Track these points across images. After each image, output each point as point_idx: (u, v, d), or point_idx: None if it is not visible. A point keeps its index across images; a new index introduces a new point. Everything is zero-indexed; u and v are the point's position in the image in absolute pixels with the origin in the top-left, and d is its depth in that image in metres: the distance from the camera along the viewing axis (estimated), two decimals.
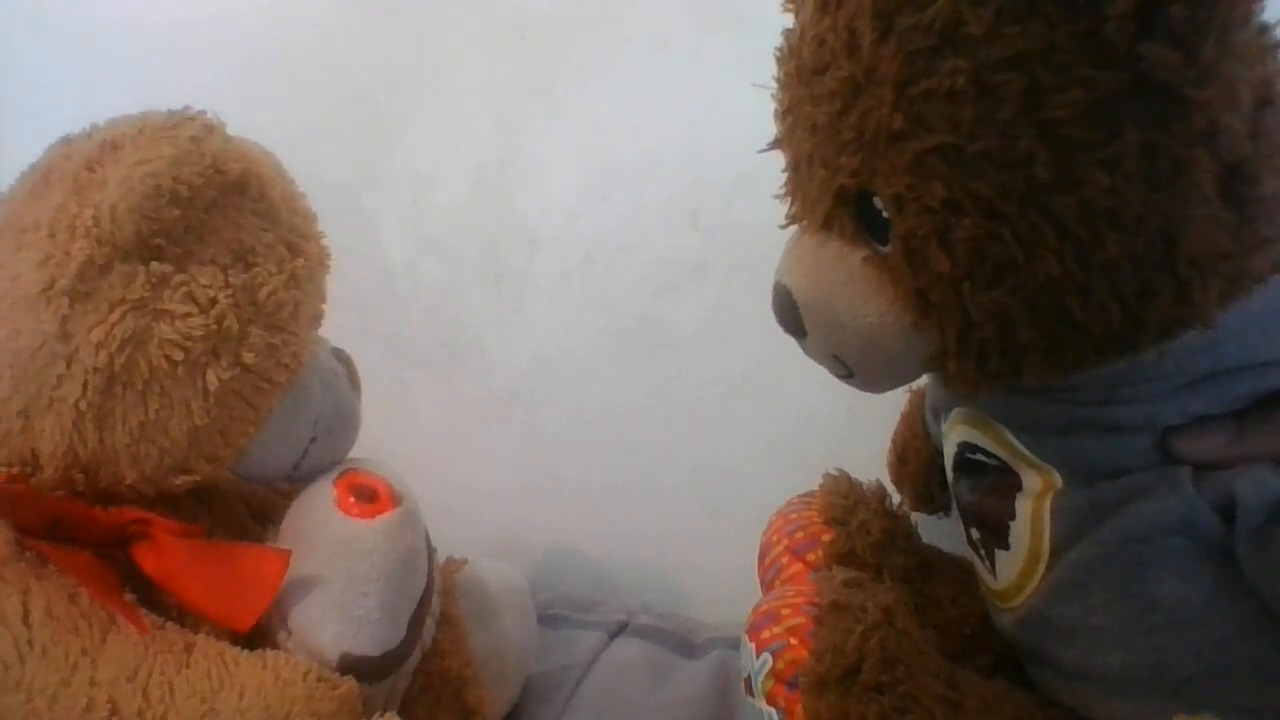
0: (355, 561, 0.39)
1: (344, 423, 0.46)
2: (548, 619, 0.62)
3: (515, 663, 0.52)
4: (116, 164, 0.37)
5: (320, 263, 0.44)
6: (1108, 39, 0.25)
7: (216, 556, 0.39)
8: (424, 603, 0.43)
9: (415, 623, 0.41)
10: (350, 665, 0.38)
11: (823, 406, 0.63)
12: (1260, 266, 0.29)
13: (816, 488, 0.50)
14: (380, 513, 0.41)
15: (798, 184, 0.36)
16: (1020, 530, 0.35)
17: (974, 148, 0.27)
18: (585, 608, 0.66)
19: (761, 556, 0.49)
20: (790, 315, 0.36)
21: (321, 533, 0.40)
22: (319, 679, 0.37)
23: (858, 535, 0.44)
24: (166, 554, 0.38)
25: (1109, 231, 0.27)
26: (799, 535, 0.47)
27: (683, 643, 0.61)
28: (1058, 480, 0.34)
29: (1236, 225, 0.27)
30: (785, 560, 0.46)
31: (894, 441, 0.52)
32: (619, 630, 0.63)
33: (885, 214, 0.31)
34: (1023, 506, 0.35)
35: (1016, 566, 0.36)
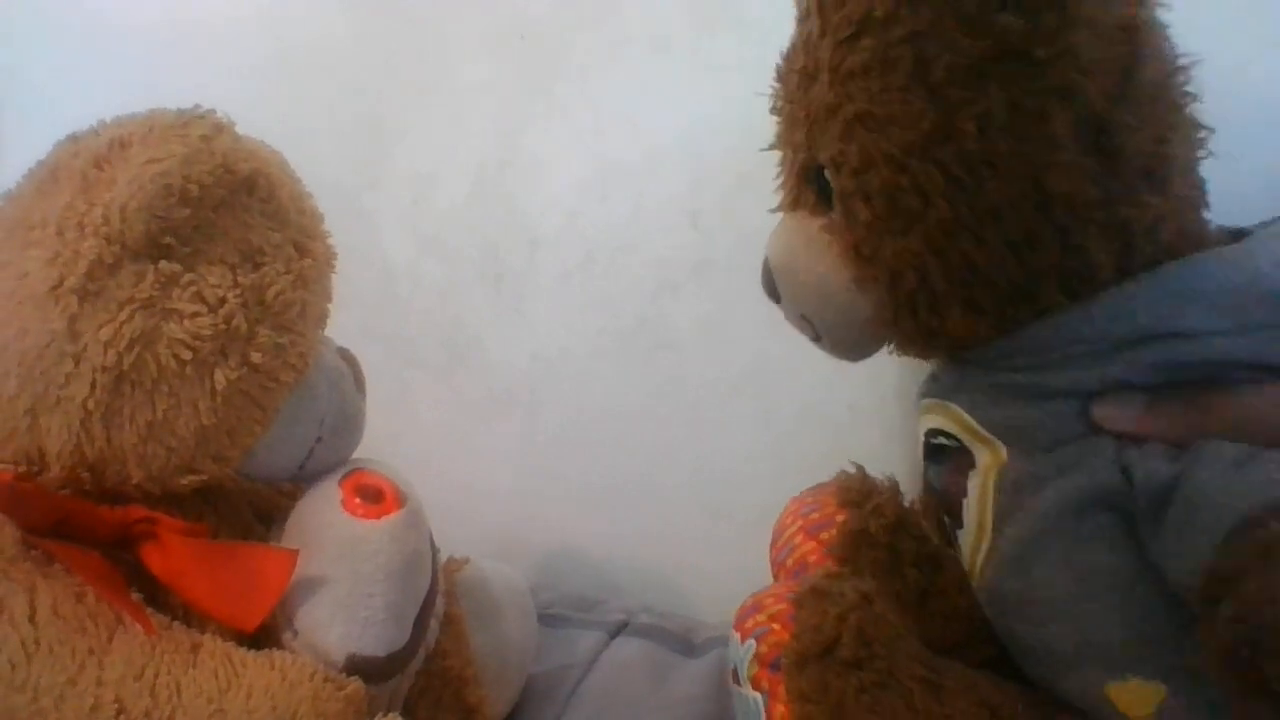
0: (361, 562, 0.39)
1: (349, 423, 0.46)
2: (548, 619, 0.62)
3: (516, 662, 0.52)
4: (126, 162, 0.37)
5: (327, 262, 0.44)
6: (974, 13, 0.31)
7: (223, 556, 0.39)
8: (428, 604, 0.43)
9: (420, 623, 0.42)
10: (356, 666, 0.38)
11: (823, 406, 0.63)
12: (1143, 222, 0.33)
13: (828, 480, 0.50)
14: (386, 514, 0.41)
15: (783, 172, 0.41)
16: (970, 505, 0.37)
17: (882, 112, 0.33)
18: (585, 607, 0.66)
19: (774, 540, 0.49)
20: (768, 280, 0.41)
21: (327, 534, 0.40)
22: (325, 680, 0.37)
23: (872, 516, 0.45)
24: (173, 553, 0.37)
25: (988, 178, 0.32)
26: (814, 515, 0.48)
27: (683, 642, 0.61)
28: (1003, 453, 0.36)
29: (1102, 174, 0.32)
30: (799, 540, 0.47)
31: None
32: (619, 630, 0.63)
33: (830, 182, 0.36)
34: (973, 483, 0.37)
35: (969, 542, 0.38)
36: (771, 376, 0.65)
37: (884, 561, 0.43)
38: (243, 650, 0.37)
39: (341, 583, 0.39)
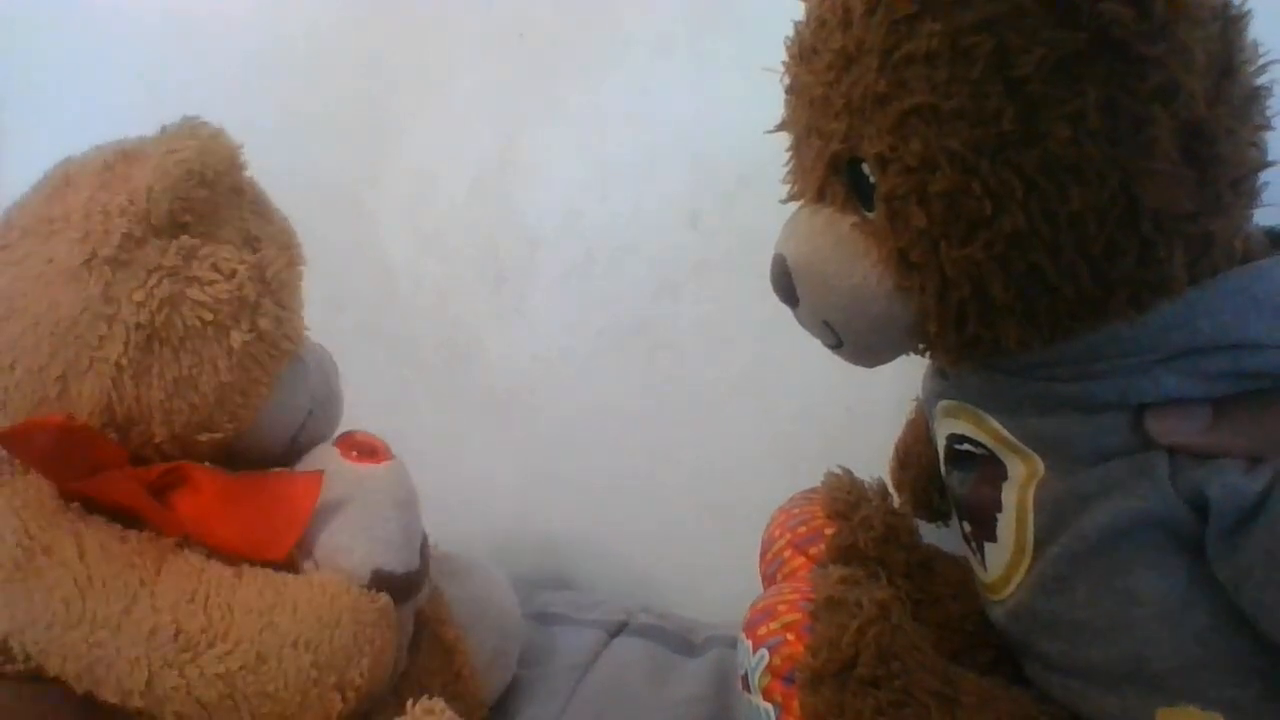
0: (371, 494, 0.43)
1: (333, 398, 0.50)
2: (547, 618, 0.62)
3: (494, 615, 0.53)
4: (142, 159, 0.41)
5: (301, 264, 0.48)
6: (1072, 1, 0.27)
7: (249, 486, 0.42)
8: (424, 545, 0.46)
9: (423, 556, 0.45)
10: (381, 581, 0.41)
11: (823, 406, 0.63)
12: (1225, 233, 0.30)
13: (819, 485, 0.50)
14: (382, 461, 0.45)
15: (797, 160, 0.38)
16: (1007, 521, 0.36)
17: (948, 106, 0.29)
18: (585, 607, 0.66)
19: (763, 552, 0.49)
20: (784, 282, 0.37)
21: (335, 478, 0.43)
22: (361, 593, 0.40)
23: (861, 530, 0.44)
24: (202, 492, 0.41)
25: (1072, 185, 0.29)
26: (801, 530, 0.47)
27: (683, 642, 0.61)
28: (1040, 467, 0.34)
29: (1196, 184, 0.29)
30: (788, 554, 0.46)
31: (897, 447, 0.52)
32: (619, 629, 0.63)
33: (871, 179, 0.33)
34: (1009, 497, 0.35)
35: (1004, 559, 0.36)
36: (771, 376, 0.65)
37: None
38: (282, 574, 0.40)
39: (358, 512, 0.42)
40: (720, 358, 0.67)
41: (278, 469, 0.45)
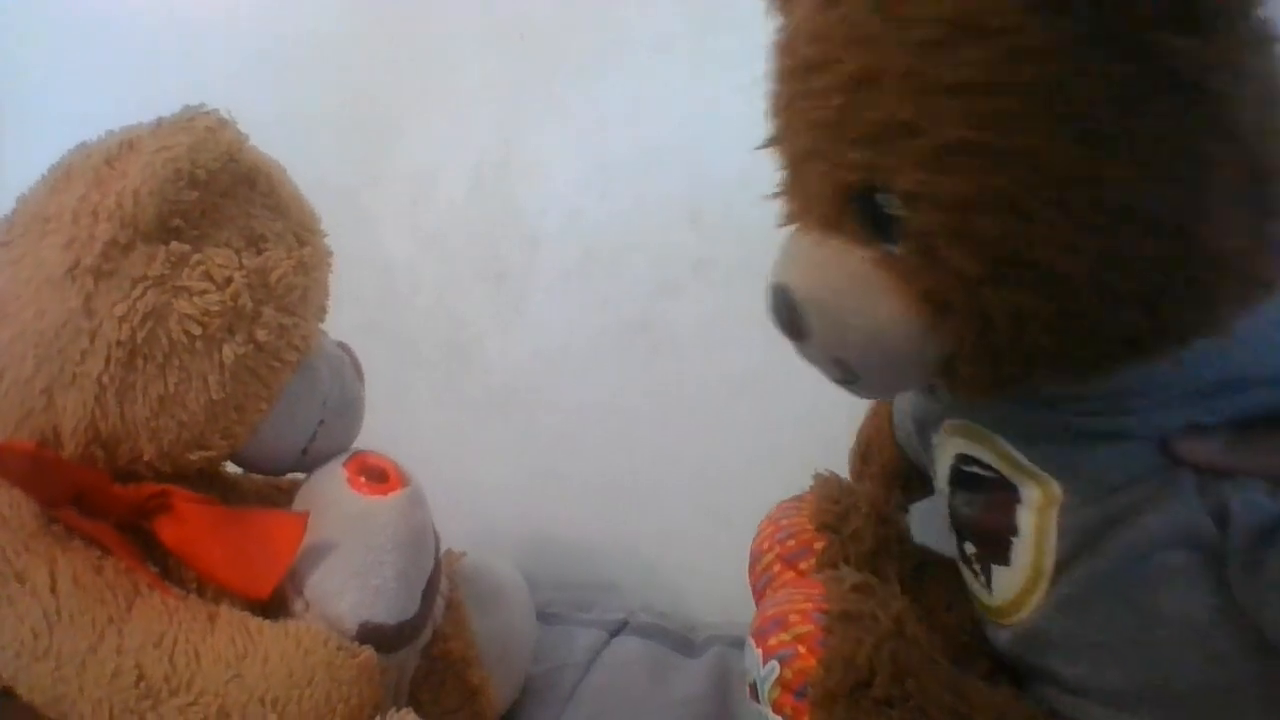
0: (372, 534, 0.40)
1: (349, 408, 0.47)
2: (547, 617, 0.62)
3: (517, 649, 0.52)
4: (136, 155, 0.39)
5: (325, 258, 0.45)
6: (1125, 31, 0.25)
7: (236, 522, 0.40)
8: (434, 579, 0.43)
9: (427, 597, 0.42)
10: (369, 634, 0.39)
11: (823, 406, 0.62)
12: (1270, 270, 0.29)
13: (806, 492, 0.49)
14: (391, 491, 0.42)
15: (795, 182, 0.35)
16: (1024, 546, 0.35)
17: (991, 142, 0.27)
18: (585, 606, 0.66)
19: (752, 564, 0.47)
20: (788, 316, 0.34)
21: (335, 509, 0.41)
22: (339, 647, 0.37)
23: (851, 543, 0.43)
24: (186, 523, 0.39)
25: (1131, 228, 0.27)
26: (790, 543, 0.45)
27: (682, 641, 0.61)
28: (1058, 492, 0.33)
29: (1252, 225, 0.27)
30: (777, 569, 0.45)
31: (859, 439, 0.51)
32: (619, 629, 0.63)
33: (892, 211, 0.30)
34: (1025, 521, 0.34)
35: (1017, 583, 0.35)
36: (771, 375, 0.65)
37: None
38: (258, 619, 0.38)
39: (353, 553, 0.40)
40: (720, 357, 0.67)
41: (261, 509, 0.42)
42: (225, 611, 0.38)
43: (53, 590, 0.36)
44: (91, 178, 0.39)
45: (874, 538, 0.43)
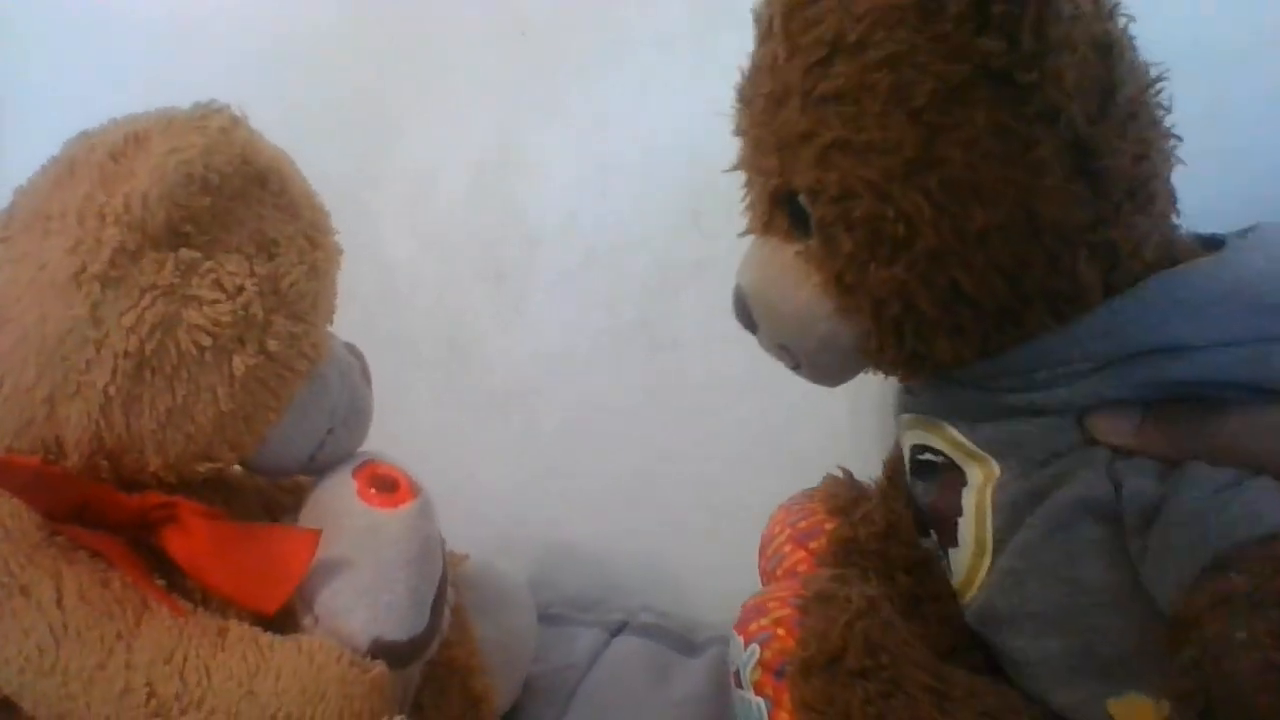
0: (383, 549, 0.40)
1: (359, 415, 0.46)
2: (548, 618, 0.62)
3: (519, 654, 0.52)
4: (145, 154, 0.37)
5: (336, 258, 0.44)
6: (953, 36, 0.30)
7: (244, 538, 0.39)
8: (442, 590, 0.43)
9: (436, 609, 0.42)
10: (381, 650, 0.39)
11: (824, 407, 0.63)
12: (1129, 241, 0.33)
13: (816, 487, 0.50)
14: (401, 503, 0.41)
15: (749, 194, 0.41)
16: (966, 524, 0.37)
17: (860, 138, 0.32)
18: (585, 606, 0.66)
19: (763, 548, 0.49)
20: (742, 309, 0.40)
21: (346, 522, 0.40)
22: (351, 663, 0.37)
23: (861, 524, 0.44)
24: (194, 535, 0.38)
25: (974, 204, 0.31)
26: (802, 524, 0.47)
27: (683, 641, 0.61)
28: (996, 470, 0.36)
29: (1089, 197, 0.32)
30: (788, 549, 0.47)
31: (886, 463, 0.53)
32: (619, 629, 0.63)
33: (806, 209, 0.35)
34: (968, 501, 0.37)
35: (965, 561, 0.37)
36: (771, 376, 0.64)
37: (875, 569, 0.42)
38: (269, 634, 0.37)
39: (364, 569, 0.39)
40: (721, 357, 0.66)
41: (271, 524, 0.42)
42: (235, 627, 0.37)
43: (59, 604, 0.35)
44: (97, 175, 0.37)
45: (885, 521, 0.44)
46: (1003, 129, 0.31)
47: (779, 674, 0.37)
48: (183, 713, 0.34)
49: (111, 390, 0.36)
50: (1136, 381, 0.32)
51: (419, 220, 0.76)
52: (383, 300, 0.77)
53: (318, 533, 0.39)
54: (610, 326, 0.70)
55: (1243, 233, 0.35)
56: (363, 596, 0.39)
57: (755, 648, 0.38)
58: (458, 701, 0.46)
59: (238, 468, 0.44)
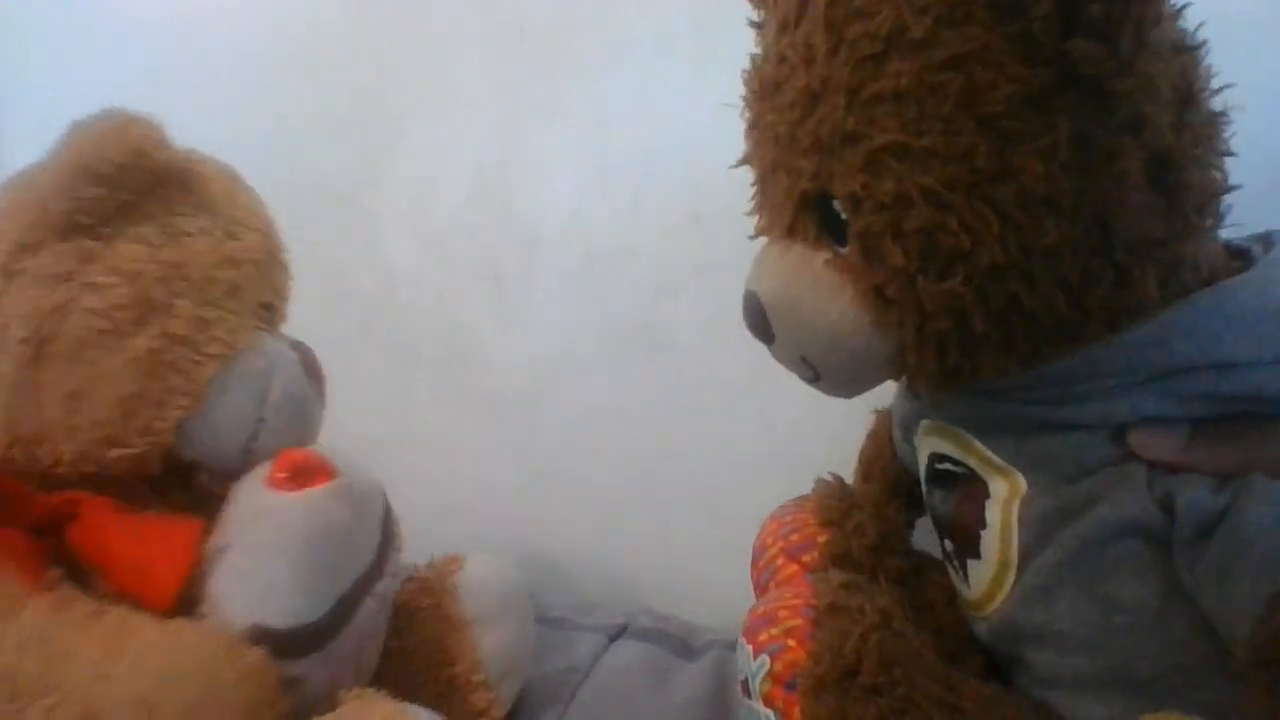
0: (265, 533, 0.39)
1: (296, 406, 0.45)
2: (548, 621, 0.62)
3: (519, 662, 0.52)
4: (53, 159, 0.40)
5: (269, 255, 0.45)
6: (1036, 38, 0.27)
7: (139, 529, 0.39)
8: (363, 583, 0.41)
9: (347, 603, 0.40)
10: (259, 637, 0.38)
11: (824, 409, 0.62)
12: (1193, 255, 0.31)
13: (808, 495, 0.49)
14: (305, 488, 0.40)
15: (763, 195, 0.38)
16: (990, 538, 0.36)
17: (920, 144, 0.29)
18: (585, 610, 0.66)
19: (755, 560, 0.48)
20: (758, 319, 0.37)
21: (239, 508, 0.40)
22: (222, 647, 0.36)
23: (854, 536, 0.44)
24: (93, 530, 0.38)
25: (1047, 218, 0.29)
26: (794, 537, 0.46)
27: (682, 645, 0.61)
28: (1022, 484, 0.35)
29: (1166, 211, 0.30)
30: (780, 562, 0.46)
31: (860, 459, 0.52)
32: (619, 633, 0.63)
33: (843, 215, 0.33)
34: (992, 514, 0.36)
35: (988, 575, 0.36)
36: (771, 378, 0.64)
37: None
38: (142, 617, 0.37)
39: (244, 552, 0.39)
40: (721, 359, 0.66)
41: (159, 515, 0.41)
42: (115, 611, 0.37)
43: None
44: (21, 182, 0.40)
45: (877, 532, 0.44)
46: (1086, 139, 0.28)
47: (790, 686, 0.36)
48: (36, 696, 0.34)
49: (15, 378, 0.38)
50: (1183, 395, 0.31)
51: (419, 221, 0.76)
52: (384, 304, 0.77)
53: (200, 522, 0.39)
54: (610, 328, 0.70)
55: (1259, 238, 0.34)
56: (240, 581, 0.38)
57: (765, 659, 0.37)
58: (461, 718, 0.46)
59: (205, 476, 0.44)
